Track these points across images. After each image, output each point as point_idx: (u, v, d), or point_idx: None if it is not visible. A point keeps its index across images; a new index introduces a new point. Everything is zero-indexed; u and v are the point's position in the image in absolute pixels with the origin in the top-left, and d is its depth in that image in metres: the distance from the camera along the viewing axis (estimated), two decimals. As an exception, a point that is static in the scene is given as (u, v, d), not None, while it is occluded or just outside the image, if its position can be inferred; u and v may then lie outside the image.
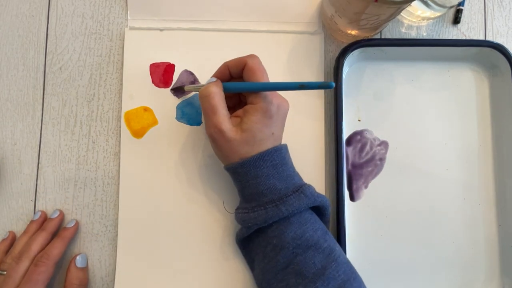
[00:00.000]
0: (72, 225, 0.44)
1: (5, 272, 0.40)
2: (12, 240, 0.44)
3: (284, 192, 0.38)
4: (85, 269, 0.44)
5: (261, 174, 0.38)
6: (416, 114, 0.47)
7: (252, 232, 0.39)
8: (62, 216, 0.45)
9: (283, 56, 0.47)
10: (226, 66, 0.40)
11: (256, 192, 0.38)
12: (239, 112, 0.40)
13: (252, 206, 0.39)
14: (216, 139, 0.38)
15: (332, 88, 0.36)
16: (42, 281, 0.40)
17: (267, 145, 0.38)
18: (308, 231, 0.38)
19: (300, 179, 0.40)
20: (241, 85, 0.39)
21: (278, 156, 0.39)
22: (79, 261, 0.43)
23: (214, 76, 0.41)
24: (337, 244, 0.39)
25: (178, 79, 0.46)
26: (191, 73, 0.46)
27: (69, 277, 0.42)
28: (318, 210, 0.40)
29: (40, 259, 0.41)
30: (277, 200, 0.38)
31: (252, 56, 0.39)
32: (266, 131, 0.38)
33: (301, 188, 0.38)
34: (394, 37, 0.49)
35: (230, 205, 0.45)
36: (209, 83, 0.39)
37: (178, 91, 0.46)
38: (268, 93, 0.38)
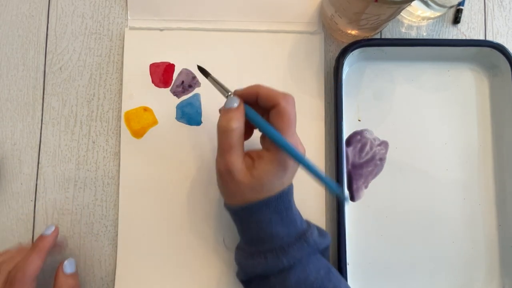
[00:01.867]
0: (49, 232, 0.40)
1: None
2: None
3: (286, 240, 0.36)
4: (75, 275, 0.40)
5: (264, 220, 0.36)
6: (416, 114, 0.47)
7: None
8: (56, 233, 0.40)
9: (283, 56, 0.47)
10: (255, 92, 0.36)
11: (257, 238, 0.36)
12: (254, 153, 0.36)
13: (252, 252, 0.37)
14: (223, 177, 0.35)
15: (345, 203, 0.34)
16: None
17: (274, 191, 0.36)
18: (312, 273, 0.35)
19: (302, 221, 0.38)
20: (266, 128, 0.35)
21: (283, 201, 0.36)
22: (67, 267, 0.39)
23: (239, 94, 0.36)
24: (342, 280, 0.37)
25: (178, 78, 0.46)
26: (191, 72, 0.46)
27: (58, 285, 0.38)
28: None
29: (15, 276, 0.36)
30: (278, 249, 0.35)
31: (287, 98, 0.35)
32: (276, 182, 0.35)
33: (304, 236, 0.36)
34: (394, 37, 0.49)
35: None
36: (229, 109, 0.35)
37: (201, 71, 0.41)
38: (294, 143, 0.35)
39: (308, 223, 0.39)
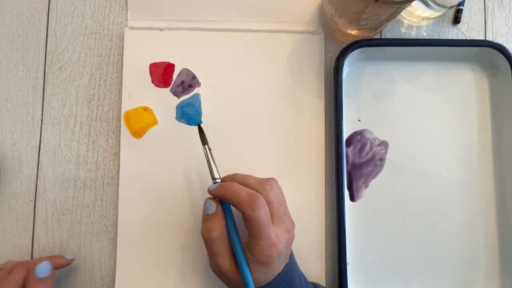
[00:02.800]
0: (69, 258, 0.42)
1: None
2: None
3: None
4: (47, 279, 0.37)
5: None
6: (416, 114, 0.47)
7: None
8: (70, 262, 0.42)
9: (283, 56, 0.47)
10: (232, 195, 0.36)
11: None
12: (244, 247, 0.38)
13: None
14: (218, 275, 0.38)
15: None
16: None
17: (268, 280, 0.37)
18: None
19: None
20: (233, 245, 0.37)
21: (284, 280, 0.37)
22: (39, 271, 0.37)
23: (214, 195, 0.38)
24: None
25: (178, 77, 0.46)
26: (191, 72, 0.46)
27: None
28: None
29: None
30: None
31: (253, 207, 0.35)
32: (268, 274, 0.37)
33: None
34: (394, 37, 0.49)
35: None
36: (210, 216, 0.37)
37: (202, 138, 0.41)
38: (267, 245, 0.35)
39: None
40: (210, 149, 0.40)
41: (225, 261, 0.37)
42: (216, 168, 0.40)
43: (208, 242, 0.37)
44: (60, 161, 0.46)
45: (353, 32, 0.45)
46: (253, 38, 0.47)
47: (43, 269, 0.37)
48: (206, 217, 0.37)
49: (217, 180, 0.39)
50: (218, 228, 0.37)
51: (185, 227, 0.45)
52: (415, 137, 0.47)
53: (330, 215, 0.45)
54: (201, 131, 0.42)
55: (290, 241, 0.38)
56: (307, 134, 0.46)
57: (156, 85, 0.46)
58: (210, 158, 0.40)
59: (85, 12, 0.48)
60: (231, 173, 0.40)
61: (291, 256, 0.39)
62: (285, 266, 0.38)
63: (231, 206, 0.38)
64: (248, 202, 0.35)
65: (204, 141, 0.41)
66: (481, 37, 0.49)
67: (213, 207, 0.37)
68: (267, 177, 0.39)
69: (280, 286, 0.37)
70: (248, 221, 0.35)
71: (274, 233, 0.36)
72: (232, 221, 0.38)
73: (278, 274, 0.37)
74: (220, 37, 0.47)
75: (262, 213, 0.35)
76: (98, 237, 0.45)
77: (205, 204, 0.38)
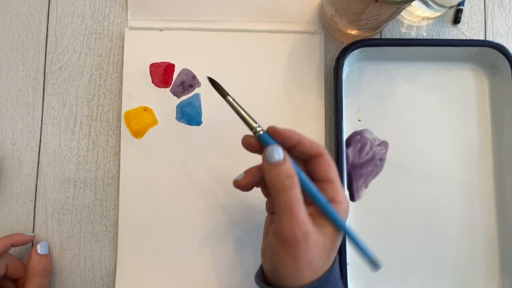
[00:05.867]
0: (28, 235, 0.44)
1: None
2: None
3: None
4: (48, 256, 0.43)
5: None
6: (416, 114, 0.47)
7: None
8: (31, 238, 0.44)
9: (283, 56, 0.47)
10: (297, 140, 0.32)
11: None
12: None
13: None
14: (297, 243, 0.29)
15: (379, 269, 0.31)
16: None
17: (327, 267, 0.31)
18: None
19: None
20: (320, 202, 0.31)
21: (335, 276, 0.32)
22: (40, 248, 0.43)
23: (274, 133, 0.32)
24: None
25: (178, 77, 0.46)
26: (191, 72, 0.46)
27: (31, 264, 0.42)
28: None
29: None
30: None
31: (325, 151, 0.32)
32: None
33: None
34: (394, 37, 0.49)
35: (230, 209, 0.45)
36: (278, 163, 0.30)
37: (216, 88, 0.35)
38: (345, 199, 0.31)
39: None
40: (234, 99, 0.33)
41: (307, 218, 0.29)
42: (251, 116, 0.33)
43: (286, 191, 0.29)
44: (60, 161, 0.46)
45: (353, 32, 0.45)
46: (253, 38, 0.47)
47: (43, 247, 0.43)
48: (275, 164, 0.30)
49: (258, 129, 0.32)
50: (291, 173, 0.30)
51: (185, 227, 0.45)
52: (415, 137, 0.47)
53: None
54: (214, 83, 0.34)
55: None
56: (307, 134, 0.45)
57: (156, 85, 0.46)
58: (239, 107, 0.33)
59: (85, 12, 0.48)
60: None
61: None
62: (333, 265, 0.32)
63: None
64: (320, 145, 0.32)
65: (223, 92, 0.34)
66: (481, 37, 0.49)
67: (280, 151, 0.31)
68: None
69: (334, 278, 0.31)
70: (328, 163, 0.31)
71: (342, 189, 0.32)
72: (299, 168, 0.32)
73: (328, 271, 0.30)
74: (220, 37, 0.47)
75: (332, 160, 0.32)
76: (98, 237, 0.45)
77: (267, 150, 0.31)
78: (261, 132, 0.32)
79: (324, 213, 0.31)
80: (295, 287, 0.29)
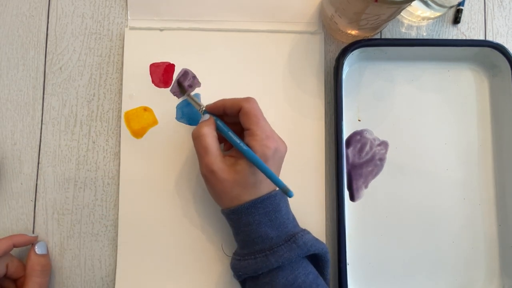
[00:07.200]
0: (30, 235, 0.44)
1: None
2: None
3: (276, 241, 0.37)
4: (46, 256, 0.43)
5: (253, 222, 0.37)
6: (416, 114, 0.47)
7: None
8: (33, 239, 0.44)
9: (283, 56, 0.47)
10: (222, 104, 0.40)
11: (248, 240, 0.38)
12: (234, 152, 0.39)
13: (244, 254, 0.38)
14: (208, 179, 0.38)
15: (291, 197, 0.36)
16: None
17: (261, 190, 0.38)
18: (300, 276, 0.37)
19: (295, 226, 0.39)
20: (231, 138, 0.39)
21: (271, 203, 0.38)
22: (38, 248, 0.43)
23: (209, 108, 0.41)
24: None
25: (178, 77, 0.46)
26: (191, 72, 0.46)
27: (30, 264, 0.42)
28: (317, 258, 0.39)
29: None
30: (267, 250, 0.37)
31: (248, 100, 0.39)
32: (259, 175, 0.37)
33: (294, 237, 0.37)
34: (394, 37, 0.49)
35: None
36: (202, 121, 0.39)
37: (179, 88, 0.46)
38: (264, 136, 0.37)
39: (304, 230, 0.39)
40: (189, 95, 0.44)
41: (216, 159, 0.37)
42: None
43: (197, 138, 0.38)
44: (60, 161, 0.46)
45: (353, 32, 0.45)
46: (253, 38, 0.47)
47: (41, 247, 0.43)
48: (199, 123, 0.39)
49: (203, 108, 0.41)
50: (208, 127, 0.38)
51: (185, 227, 0.45)
52: (415, 137, 0.47)
53: (330, 215, 0.45)
54: (179, 83, 0.45)
55: (282, 147, 0.39)
56: (307, 134, 0.46)
57: (156, 85, 0.46)
58: (192, 99, 0.43)
59: (85, 12, 0.48)
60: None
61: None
62: (273, 191, 0.38)
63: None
64: (245, 99, 0.39)
65: (183, 90, 0.45)
66: (481, 37, 0.49)
67: (206, 116, 0.40)
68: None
69: (266, 207, 0.37)
70: (246, 113, 0.38)
71: (268, 127, 0.39)
72: (224, 125, 0.40)
73: (267, 194, 0.37)
74: (220, 37, 0.47)
75: (257, 106, 0.39)
76: (98, 237, 0.45)
77: (201, 117, 0.41)
78: (204, 109, 0.42)
79: (240, 152, 0.38)
80: (221, 210, 0.40)
